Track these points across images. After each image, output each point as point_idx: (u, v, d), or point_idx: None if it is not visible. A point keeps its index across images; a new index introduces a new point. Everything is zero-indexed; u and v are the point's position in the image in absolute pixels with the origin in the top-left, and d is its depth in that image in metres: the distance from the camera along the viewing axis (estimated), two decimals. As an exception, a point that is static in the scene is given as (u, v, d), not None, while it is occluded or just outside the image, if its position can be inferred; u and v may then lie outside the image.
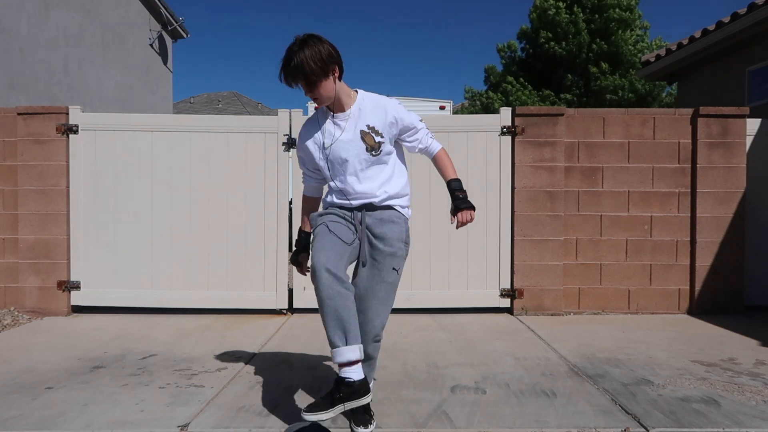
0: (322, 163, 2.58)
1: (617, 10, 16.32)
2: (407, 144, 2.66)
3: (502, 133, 5.11)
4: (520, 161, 5.07)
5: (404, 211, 2.63)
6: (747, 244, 5.15)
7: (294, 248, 2.80)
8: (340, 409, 2.32)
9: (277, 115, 5.09)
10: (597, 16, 16.55)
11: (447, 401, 2.94)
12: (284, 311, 5.11)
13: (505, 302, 5.14)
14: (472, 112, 18.10)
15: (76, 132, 5.07)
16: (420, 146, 2.68)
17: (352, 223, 2.55)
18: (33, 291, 5.04)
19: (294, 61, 2.33)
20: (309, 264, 2.50)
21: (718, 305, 5.06)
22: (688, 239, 5.13)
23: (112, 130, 5.10)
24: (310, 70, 2.33)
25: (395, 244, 2.54)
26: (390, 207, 2.58)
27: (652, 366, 3.55)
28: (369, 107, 2.54)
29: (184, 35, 13.73)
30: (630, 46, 16.37)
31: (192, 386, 3.17)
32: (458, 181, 2.65)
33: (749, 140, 5.17)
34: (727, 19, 7.04)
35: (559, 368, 3.52)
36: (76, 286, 5.08)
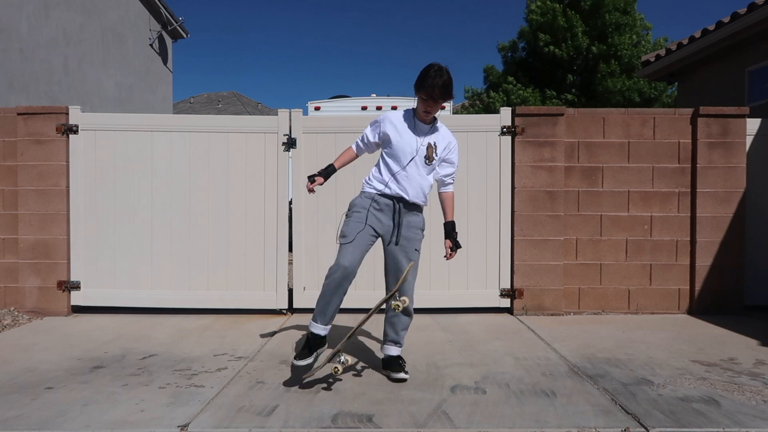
0: (407, 151, 3.22)
1: (615, 13, 16.25)
2: (438, 170, 3.37)
3: (502, 133, 5.10)
4: (520, 161, 5.07)
5: (423, 206, 3.40)
6: (747, 244, 5.15)
7: (317, 172, 3.36)
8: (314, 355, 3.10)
9: (277, 115, 5.09)
10: (593, 20, 16.47)
11: (447, 401, 2.94)
12: (284, 311, 5.11)
13: (505, 302, 5.14)
14: (472, 112, 18.08)
15: (76, 132, 5.07)
16: (443, 178, 3.41)
17: (389, 213, 3.24)
18: (33, 291, 5.04)
19: (449, 84, 3.12)
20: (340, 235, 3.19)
21: (718, 305, 5.06)
22: (688, 239, 5.13)
23: (112, 130, 5.10)
24: (449, 92, 3.15)
25: (417, 231, 3.32)
26: (417, 205, 3.32)
27: (652, 366, 3.55)
28: (438, 130, 3.32)
29: (184, 35, 13.73)
30: (628, 50, 16.26)
31: (192, 386, 3.17)
32: (453, 223, 3.47)
33: (749, 140, 5.17)
34: (727, 19, 7.05)
35: (559, 368, 3.52)
36: (76, 286, 5.08)
